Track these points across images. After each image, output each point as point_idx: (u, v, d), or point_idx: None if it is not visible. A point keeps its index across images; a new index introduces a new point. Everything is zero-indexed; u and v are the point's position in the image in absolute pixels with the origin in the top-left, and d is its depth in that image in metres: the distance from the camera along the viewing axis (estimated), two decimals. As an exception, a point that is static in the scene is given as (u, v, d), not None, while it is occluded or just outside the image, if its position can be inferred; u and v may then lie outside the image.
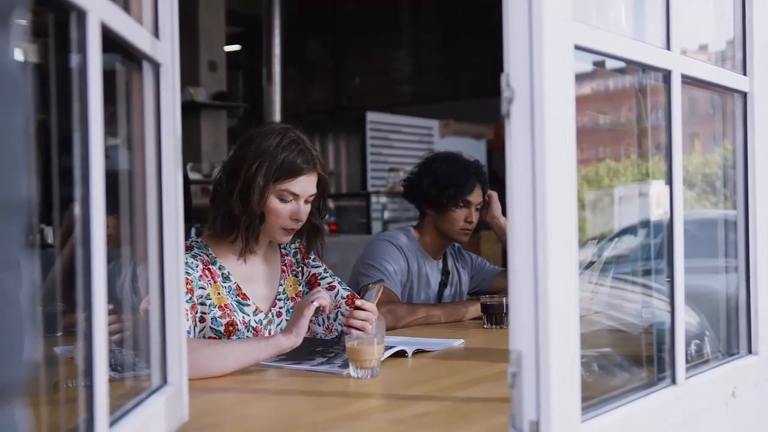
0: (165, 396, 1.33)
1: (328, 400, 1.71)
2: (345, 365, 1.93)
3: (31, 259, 0.60)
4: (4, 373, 0.55)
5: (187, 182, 4.59)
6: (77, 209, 1.00)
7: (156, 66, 1.35)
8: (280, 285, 2.36)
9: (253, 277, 2.30)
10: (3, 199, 0.55)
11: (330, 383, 1.83)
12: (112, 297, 1.09)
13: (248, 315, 2.23)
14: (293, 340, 1.95)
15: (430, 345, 2.26)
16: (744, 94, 1.81)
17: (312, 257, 2.44)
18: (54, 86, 1.07)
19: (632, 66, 1.60)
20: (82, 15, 0.99)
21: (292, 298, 2.36)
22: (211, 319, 2.15)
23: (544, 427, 1.17)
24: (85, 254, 1.01)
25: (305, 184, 2.21)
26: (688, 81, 1.60)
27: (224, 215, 2.21)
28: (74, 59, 1.02)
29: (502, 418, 1.29)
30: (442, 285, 3.13)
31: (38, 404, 1.03)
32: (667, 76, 1.52)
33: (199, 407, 1.53)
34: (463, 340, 2.38)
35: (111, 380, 1.07)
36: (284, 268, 2.38)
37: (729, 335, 1.87)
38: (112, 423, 1.09)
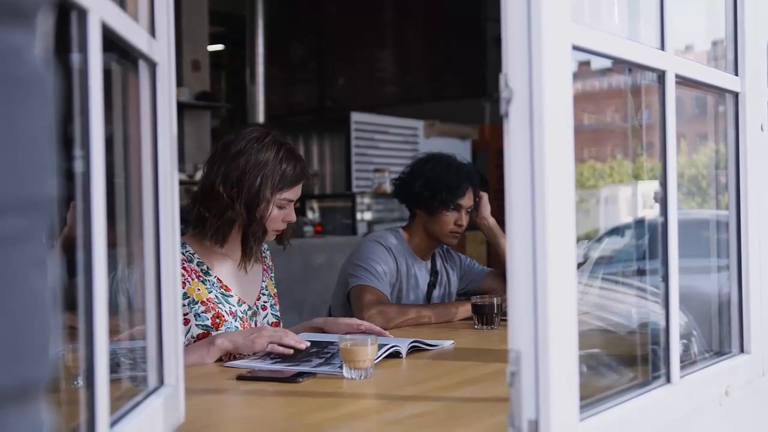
0: (162, 397, 1.32)
1: (323, 401, 1.70)
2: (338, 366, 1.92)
3: (55, 258, 0.60)
4: (31, 372, 0.55)
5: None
6: (78, 210, 0.99)
7: (152, 65, 1.34)
8: (263, 281, 2.45)
9: (236, 272, 2.36)
10: (29, 198, 0.55)
11: (323, 384, 1.83)
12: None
13: (233, 305, 2.30)
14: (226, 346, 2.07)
15: (424, 343, 2.27)
16: (736, 95, 1.83)
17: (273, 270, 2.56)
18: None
19: (620, 66, 1.61)
20: (82, 14, 0.99)
21: (273, 295, 2.47)
22: (195, 316, 2.20)
23: (543, 426, 1.17)
24: (86, 254, 1.00)
25: (299, 190, 2.35)
26: (681, 81, 1.60)
27: (226, 224, 2.26)
28: (74, 58, 1.01)
29: (499, 417, 1.29)
30: (431, 286, 3.13)
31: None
32: (661, 76, 1.53)
33: (196, 408, 1.53)
34: (453, 341, 2.38)
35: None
36: (265, 266, 2.48)
37: (721, 334, 1.89)
38: (112, 424, 1.08)
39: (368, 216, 7.62)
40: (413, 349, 2.21)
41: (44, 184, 0.57)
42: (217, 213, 2.25)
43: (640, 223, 2.01)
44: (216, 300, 2.26)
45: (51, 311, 0.57)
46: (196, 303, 2.22)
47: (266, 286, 2.46)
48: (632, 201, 2.13)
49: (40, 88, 0.57)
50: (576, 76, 1.54)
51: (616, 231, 2.86)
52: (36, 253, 0.55)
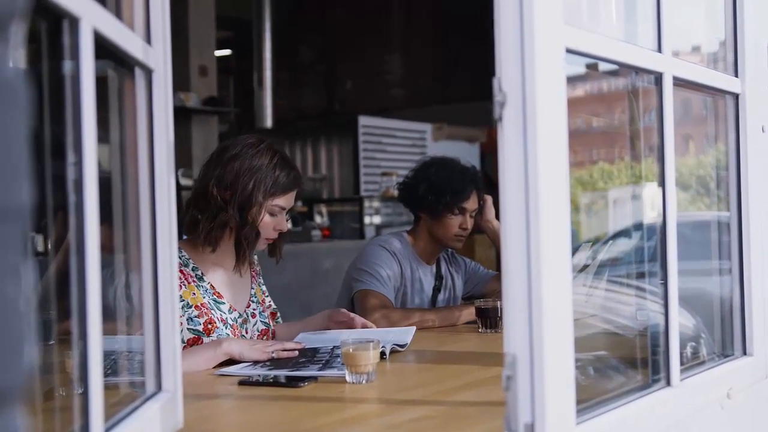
0: (160, 403, 1.33)
1: (324, 405, 1.70)
2: (344, 368, 1.92)
3: (30, 265, 0.61)
4: (5, 378, 0.55)
5: (178, 188, 4.63)
6: (71, 217, 1.00)
7: (148, 72, 1.35)
8: (252, 288, 2.48)
9: (227, 280, 2.39)
10: (3, 205, 0.55)
11: (325, 389, 1.83)
12: (105, 305, 1.09)
13: (224, 313, 2.32)
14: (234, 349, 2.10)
15: (399, 345, 2.28)
16: (736, 96, 1.82)
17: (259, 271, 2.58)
18: (46, 93, 1.07)
19: (624, 68, 1.61)
20: (74, 22, 0.99)
21: (261, 302, 2.49)
22: (188, 320, 2.22)
23: (539, 430, 1.17)
24: (79, 262, 1.00)
25: (292, 199, 2.37)
26: (680, 83, 1.60)
27: (218, 227, 2.29)
28: (66, 66, 1.02)
29: (497, 421, 1.29)
30: (436, 290, 3.13)
31: (33, 412, 1.02)
32: (659, 78, 1.53)
33: (194, 414, 1.53)
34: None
35: (105, 387, 1.06)
36: (253, 273, 2.51)
37: (723, 337, 1.88)
38: (107, 430, 1.09)
39: (376, 220, 7.62)
40: (395, 349, 2.25)
41: (18, 193, 0.57)
42: (209, 215, 2.28)
43: (647, 225, 2.00)
44: (209, 306, 2.28)
45: (26, 318, 0.58)
46: (191, 307, 2.24)
47: (255, 293, 2.48)
48: (639, 202, 2.13)
49: (13, 97, 0.58)
50: (584, 78, 1.54)
51: (624, 233, 2.85)
52: (10, 261, 0.55)
